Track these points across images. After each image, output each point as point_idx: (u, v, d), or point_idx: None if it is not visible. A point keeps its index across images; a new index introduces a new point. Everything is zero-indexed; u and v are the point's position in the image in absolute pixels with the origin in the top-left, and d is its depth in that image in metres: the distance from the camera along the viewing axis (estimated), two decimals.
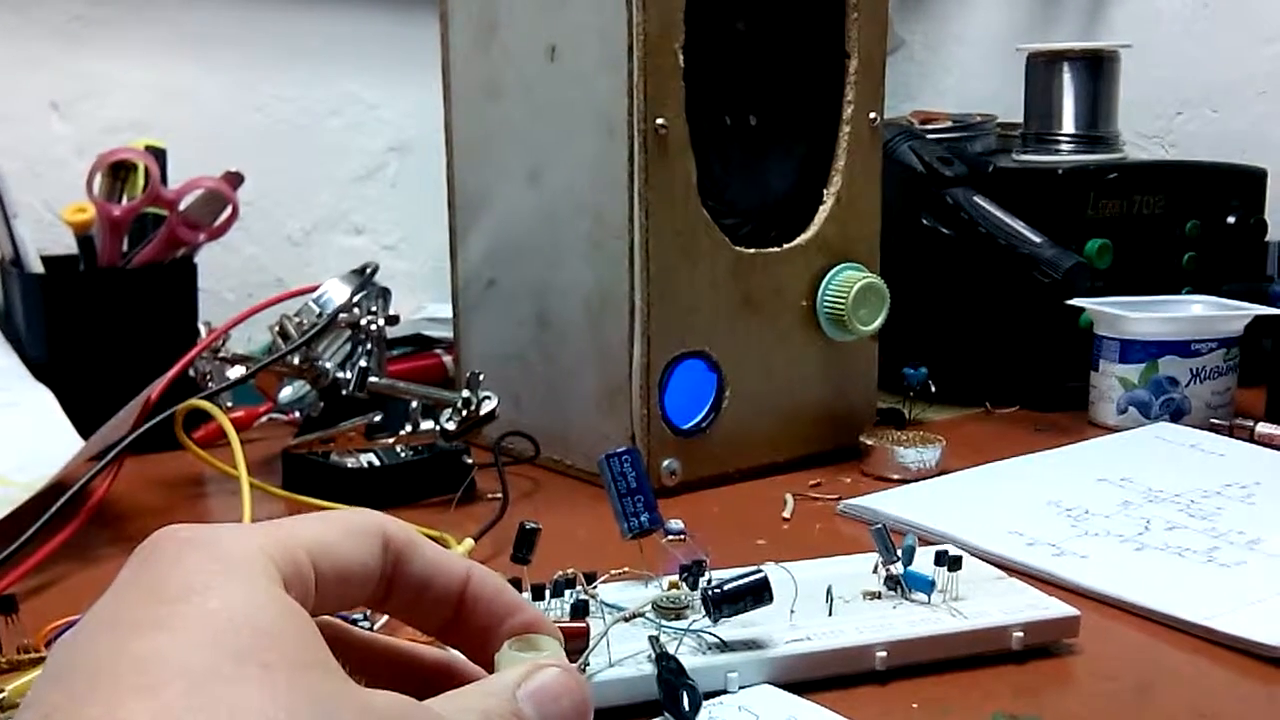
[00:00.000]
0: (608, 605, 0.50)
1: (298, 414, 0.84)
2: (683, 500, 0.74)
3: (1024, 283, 0.89)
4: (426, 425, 0.78)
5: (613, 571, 0.52)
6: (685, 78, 0.72)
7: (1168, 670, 0.51)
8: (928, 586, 0.52)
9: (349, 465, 0.74)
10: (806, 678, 0.48)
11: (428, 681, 0.32)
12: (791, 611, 0.50)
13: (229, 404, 0.86)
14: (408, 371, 0.96)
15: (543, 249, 0.79)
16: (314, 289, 0.80)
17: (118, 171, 0.87)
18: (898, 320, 0.82)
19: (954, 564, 0.52)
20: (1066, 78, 1.01)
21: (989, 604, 0.52)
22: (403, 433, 0.78)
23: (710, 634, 0.48)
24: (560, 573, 0.50)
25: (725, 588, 0.48)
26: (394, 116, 1.24)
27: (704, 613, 0.48)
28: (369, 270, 0.82)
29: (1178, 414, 0.88)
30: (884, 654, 0.49)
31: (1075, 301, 0.90)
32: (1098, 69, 1.01)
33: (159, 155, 0.90)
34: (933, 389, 0.89)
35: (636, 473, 0.51)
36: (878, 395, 0.86)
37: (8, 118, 1.04)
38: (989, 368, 0.97)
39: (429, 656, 0.33)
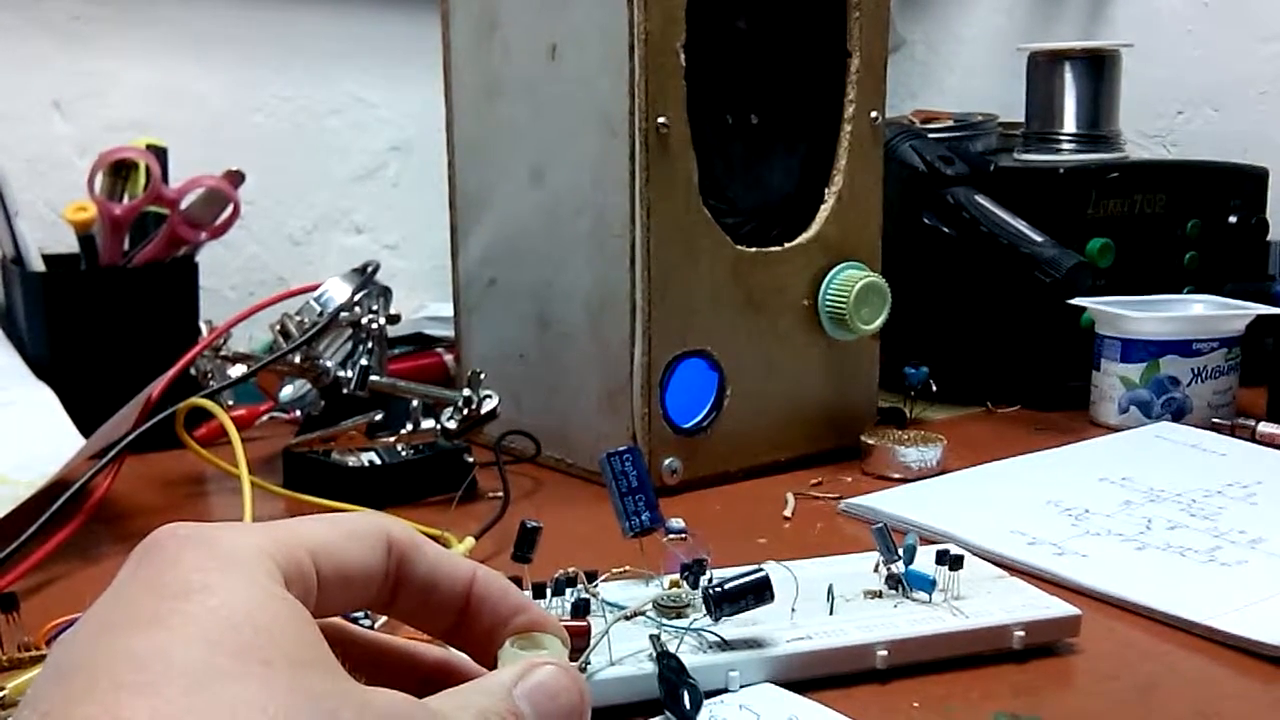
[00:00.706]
0: (609, 604, 0.50)
1: (299, 413, 0.84)
2: (684, 499, 0.74)
3: (1025, 282, 0.89)
4: (427, 424, 0.78)
5: (614, 570, 0.52)
6: (687, 77, 0.72)
7: (1169, 670, 0.51)
8: (929, 585, 0.52)
9: (350, 464, 0.74)
10: (807, 676, 0.48)
11: (428, 680, 0.32)
12: (793, 610, 0.50)
13: (230, 402, 0.86)
14: (409, 370, 0.96)
15: (544, 248, 0.79)
16: (315, 288, 0.80)
17: (119, 170, 0.87)
18: (899, 319, 0.82)
19: (955, 563, 0.52)
20: (1068, 77, 1.01)
21: (990, 603, 0.52)
22: (404, 431, 0.78)
23: (711, 633, 0.48)
24: (561, 571, 0.50)
25: (726, 586, 0.48)
26: (395, 116, 1.24)
27: (705, 611, 0.48)
28: (370, 269, 0.82)
29: (1179, 413, 0.88)
30: (885, 653, 0.48)
31: (1077, 301, 0.90)
32: (1099, 68, 1.01)
33: (160, 154, 0.90)
34: (934, 388, 0.89)
35: (638, 471, 0.51)
36: (879, 394, 0.86)
37: (9, 117, 1.04)
38: (990, 367, 0.97)
39: (430, 655, 0.33)
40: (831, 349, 0.81)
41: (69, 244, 0.89)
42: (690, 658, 0.46)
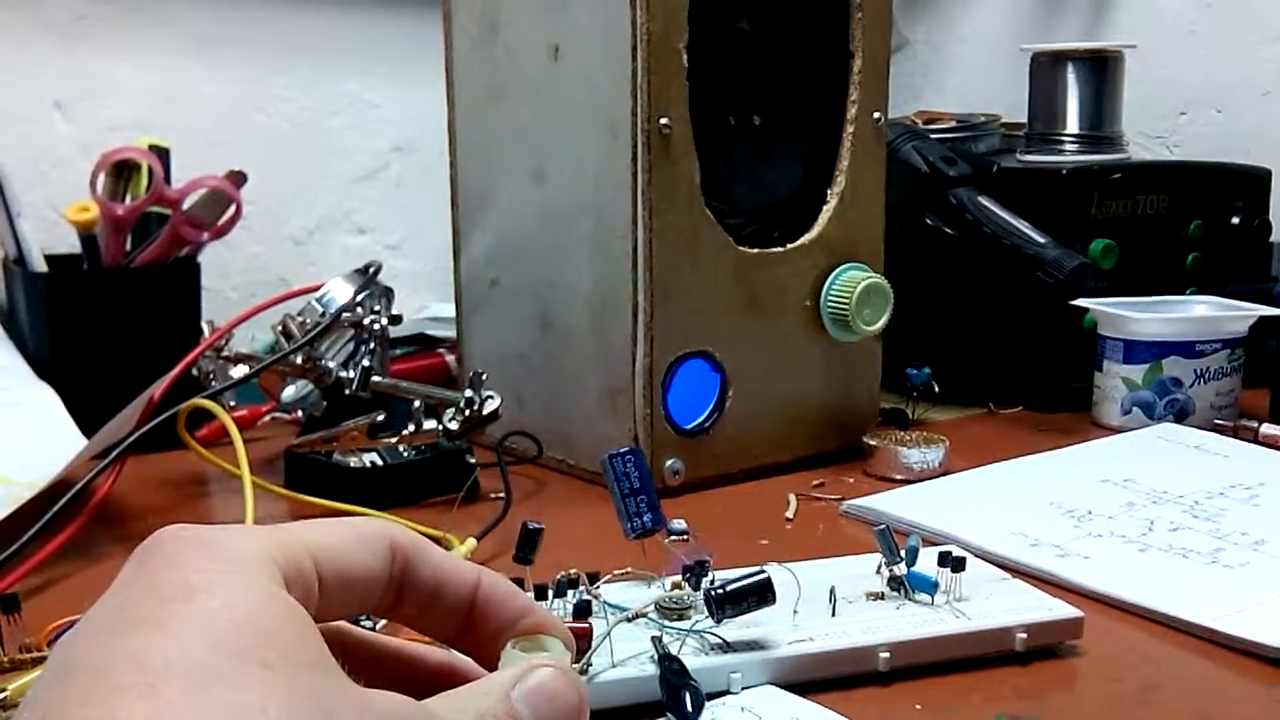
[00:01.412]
0: (610, 605, 0.50)
1: (301, 413, 0.84)
2: (686, 500, 0.74)
3: (1028, 283, 0.89)
4: (429, 425, 0.78)
5: (615, 572, 0.52)
6: (689, 77, 0.72)
7: (1171, 671, 0.51)
8: (931, 587, 0.52)
9: (352, 465, 0.74)
10: (809, 678, 0.48)
11: (431, 683, 0.32)
12: (795, 612, 0.50)
13: (232, 403, 0.86)
14: (411, 371, 0.96)
15: (546, 249, 0.79)
16: (317, 288, 0.80)
17: (121, 171, 0.87)
18: (901, 320, 0.82)
19: (957, 565, 0.52)
20: (1070, 78, 1.01)
21: (992, 605, 0.52)
22: (406, 432, 0.78)
23: (713, 634, 0.48)
24: (563, 573, 0.50)
25: (728, 588, 0.48)
26: (397, 116, 1.24)
27: (707, 613, 0.48)
28: (372, 270, 0.82)
29: (1182, 415, 0.88)
30: (887, 655, 0.48)
31: (1079, 302, 0.90)
32: (1102, 69, 1.01)
33: (162, 154, 0.90)
34: (936, 389, 0.89)
35: (640, 473, 0.51)
36: (881, 395, 0.86)
37: (11, 117, 1.04)
38: (992, 368, 0.97)
39: (432, 658, 0.33)
40: (834, 350, 0.81)
41: (71, 244, 0.89)
42: (692, 659, 0.46)
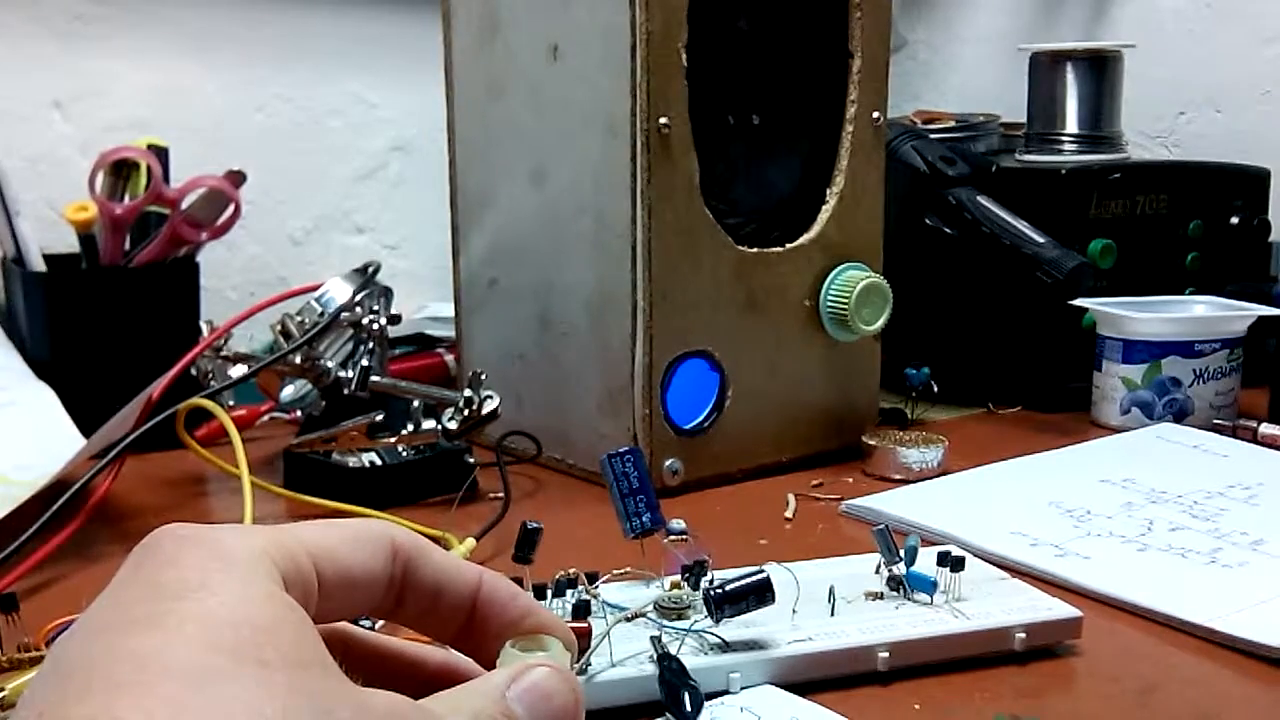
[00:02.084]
0: (610, 605, 0.50)
1: (299, 413, 0.84)
2: (685, 500, 0.74)
3: (1027, 283, 0.89)
4: (428, 425, 0.78)
5: (615, 571, 0.52)
6: (688, 77, 0.72)
7: (1170, 671, 0.51)
8: (930, 587, 0.52)
9: (351, 464, 0.74)
10: (808, 678, 0.48)
11: (430, 683, 0.32)
12: (794, 612, 0.50)
13: (231, 403, 0.86)
14: (410, 371, 0.96)
15: (545, 249, 0.79)
16: (316, 288, 0.80)
17: (120, 170, 0.87)
18: (900, 320, 0.82)
19: (956, 564, 0.52)
20: (1070, 78, 1.01)
21: (991, 605, 0.52)
22: (404, 432, 0.78)
23: (712, 634, 0.48)
24: (562, 573, 0.50)
25: (727, 588, 0.48)
26: (396, 116, 1.23)
27: (706, 613, 0.48)
28: (371, 269, 0.82)
29: (1181, 414, 0.88)
30: (886, 654, 0.48)
31: (1078, 302, 0.90)
32: (1101, 69, 1.01)
33: (161, 154, 0.90)
34: (935, 389, 0.89)
35: (639, 472, 0.51)
36: (880, 395, 0.86)
37: (10, 116, 1.04)
38: (991, 368, 0.97)
39: (432, 658, 0.33)
40: (833, 350, 0.81)
41: (70, 244, 0.89)
42: (691, 659, 0.46)
